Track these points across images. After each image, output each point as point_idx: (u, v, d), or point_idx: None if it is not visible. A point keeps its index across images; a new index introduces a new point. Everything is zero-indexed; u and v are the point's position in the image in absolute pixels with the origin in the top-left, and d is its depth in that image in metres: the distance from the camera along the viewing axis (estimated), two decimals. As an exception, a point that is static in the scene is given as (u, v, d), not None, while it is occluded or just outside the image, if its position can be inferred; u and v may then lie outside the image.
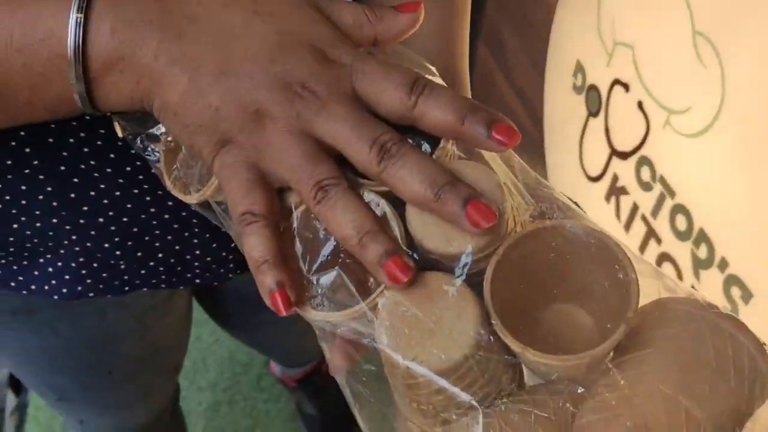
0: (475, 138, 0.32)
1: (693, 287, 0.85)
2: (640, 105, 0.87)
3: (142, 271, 0.53)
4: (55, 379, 0.67)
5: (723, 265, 0.78)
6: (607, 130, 0.96)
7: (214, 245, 0.53)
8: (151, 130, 0.39)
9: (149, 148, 0.39)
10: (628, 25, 0.87)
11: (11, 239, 0.48)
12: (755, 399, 0.31)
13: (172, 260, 0.53)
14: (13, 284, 0.51)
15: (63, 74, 0.33)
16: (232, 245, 0.53)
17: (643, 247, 0.92)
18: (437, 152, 0.34)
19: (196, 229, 0.51)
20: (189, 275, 0.54)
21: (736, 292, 0.76)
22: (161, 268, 0.53)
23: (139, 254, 0.51)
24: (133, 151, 0.44)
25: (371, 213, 0.32)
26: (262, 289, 0.33)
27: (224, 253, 0.55)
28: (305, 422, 1.39)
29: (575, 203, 0.35)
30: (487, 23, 1.28)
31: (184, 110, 0.33)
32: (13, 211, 0.46)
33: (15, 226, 0.47)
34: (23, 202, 0.46)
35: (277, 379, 1.42)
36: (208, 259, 0.54)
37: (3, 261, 0.50)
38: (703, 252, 0.81)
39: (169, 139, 0.38)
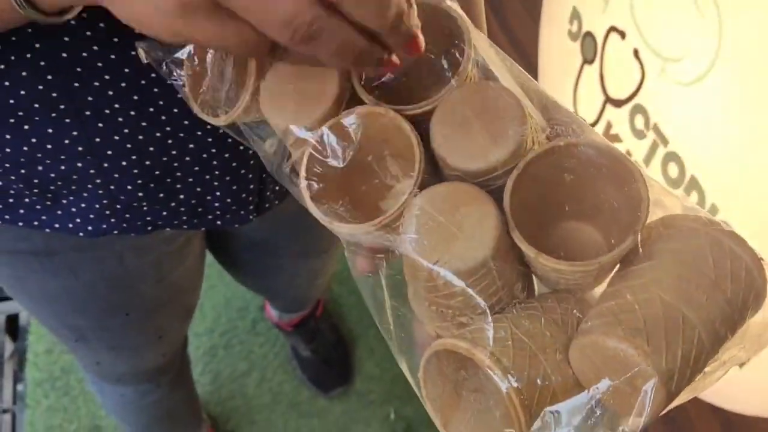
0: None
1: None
2: (635, 53, 0.87)
3: (164, 212, 0.54)
4: (74, 320, 0.68)
5: (713, 211, 0.80)
6: (602, 78, 0.96)
7: (234, 187, 0.54)
8: (175, 55, 0.38)
9: (174, 73, 0.39)
10: (626, -28, 0.86)
11: (35, 181, 0.49)
12: (748, 309, 0.33)
13: (193, 201, 0.54)
14: (36, 223, 0.52)
15: None
16: (251, 187, 0.54)
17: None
18: (457, 76, 0.35)
19: (217, 172, 0.52)
20: (210, 216, 0.56)
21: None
22: (182, 209, 0.54)
23: (161, 195, 0.52)
24: (156, 90, 0.44)
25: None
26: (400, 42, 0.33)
27: (244, 195, 0.55)
28: (300, 364, 1.43)
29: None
30: (482, -32, 1.26)
31: None
32: (39, 155, 0.47)
33: (40, 168, 0.48)
34: (49, 146, 0.47)
35: (273, 324, 1.45)
36: (228, 200, 0.55)
37: (27, 201, 0.50)
38: (694, 199, 0.83)
39: (195, 63, 0.38)
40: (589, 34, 0.97)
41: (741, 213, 0.76)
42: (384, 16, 0.29)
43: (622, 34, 0.89)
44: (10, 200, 0.51)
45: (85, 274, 0.61)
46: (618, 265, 0.34)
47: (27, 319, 1.55)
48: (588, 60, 0.98)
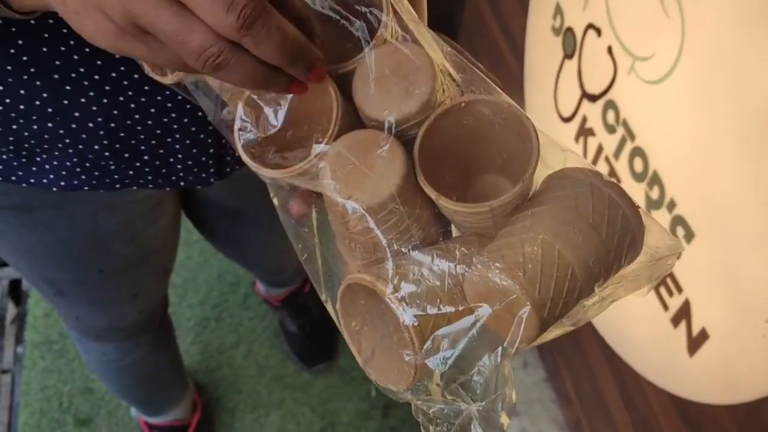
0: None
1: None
2: (609, 50, 0.90)
3: (130, 172, 0.58)
4: (51, 273, 0.73)
5: (671, 205, 0.83)
6: (579, 72, 0.99)
7: (194, 150, 0.59)
8: None
9: None
10: (604, -29, 0.89)
11: (11, 138, 0.54)
12: (624, 250, 0.37)
13: (157, 162, 0.58)
14: (13, 178, 0.57)
15: None
16: (211, 151, 0.59)
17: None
18: (375, 40, 0.39)
19: (177, 135, 0.56)
20: (173, 177, 0.60)
21: (680, 231, 0.82)
22: (147, 169, 0.59)
23: (126, 155, 0.57)
24: (117, 57, 0.48)
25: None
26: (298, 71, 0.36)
27: (204, 158, 0.60)
28: (287, 339, 1.47)
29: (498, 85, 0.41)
30: (478, -40, 1.29)
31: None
32: (12, 114, 0.52)
33: (14, 127, 0.53)
34: (21, 106, 0.51)
35: (262, 299, 1.50)
36: (189, 162, 0.59)
37: (4, 158, 0.55)
38: (655, 193, 0.86)
39: None
40: (569, 29, 1.00)
41: (699, 208, 0.79)
42: (281, 53, 0.33)
43: (599, 32, 0.92)
44: None
45: (61, 230, 0.65)
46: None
47: (28, 284, 1.61)
48: (568, 54, 1.01)
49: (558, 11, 1.02)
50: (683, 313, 0.83)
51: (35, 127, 0.53)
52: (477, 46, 1.38)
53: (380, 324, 0.39)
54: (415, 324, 0.35)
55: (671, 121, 0.82)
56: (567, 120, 1.05)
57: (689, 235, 0.80)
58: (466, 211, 0.36)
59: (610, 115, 0.93)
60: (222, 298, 1.53)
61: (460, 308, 0.36)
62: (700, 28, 0.75)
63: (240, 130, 0.39)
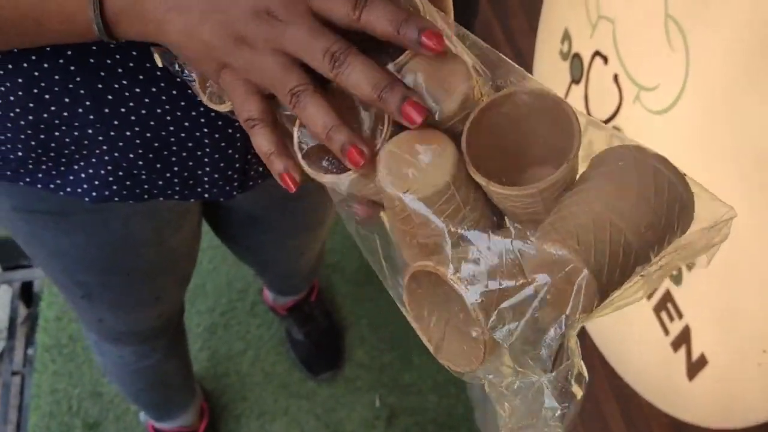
0: (409, 42, 0.39)
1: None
2: (615, 78, 0.92)
3: (160, 182, 0.62)
4: (82, 276, 0.77)
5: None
6: (586, 98, 1.01)
7: (222, 164, 0.63)
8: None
9: (185, 72, 0.48)
10: (612, 0, 0.91)
11: (53, 145, 0.58)
12: (675, 218, 0.39)
13: (185, 174, 0.62)
14: (52, 186, 0.61)
15: (87, 16, 0.43)
16: (237, 165, 0.63)
17: (608, 211, 0.99)
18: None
19: (207, 149, 0.61)
20: (199, 189, 0.64)
21: (681, 259, 0.84)
22: (176, 180, 0.63)
23: (158, 166, 0.60)
24: (158, 73, 0.54)
25: (332, 112, 0.40)
26: (275, 173, 0.42)
27: (230, 172, 0.64)
28: (293, 347, 1.50)
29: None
30: (489, -20, 1.31)
31: (185, 46, 0.42)
32: (56, 121, 0.55)
33: (56, 134, 0.57)
34: (65, 113, 0.55)
35: (269, 307, 1.52)
36: (216, 176, 0.64)
37: (44, 166, 0.60)
38: (658, 220, 0.88)
39: None
40: (577, 55, 1.02)
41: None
42: (369, 81, 0.39)
43: (605, 59, 0.94)
44: (30, 166, 0.59)
45: (94, 234, 0.69)
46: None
47: (40, 286, 1.64)
48: (575, 80, 1.04)
49: (566, 36, 1.05)
50: (683, 338, 0.85)
51: (76, 134, 0.57)
52: (486, 64, 1.40)
53: (446, 309, 0.41)
54: (479, 301, 0.37)
55: (674, 152, 0.84)
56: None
57: (690, 264, 0.82)
58: (516, 195, 0.38)
59: (615, 143, 0.95)
60: (230, 305, 1.55)
61: (520, 281, 0.37)
62: (704, 61, 0.77)
63: (300, 142, 0.43)
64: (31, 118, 0.55)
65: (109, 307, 0.85)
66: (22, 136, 0.57)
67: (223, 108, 0.46)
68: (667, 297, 0.88)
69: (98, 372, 1.44)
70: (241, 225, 0.90)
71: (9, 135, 0.57)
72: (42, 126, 0.56)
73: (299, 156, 0.42)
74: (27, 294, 1.65)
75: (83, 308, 0.86)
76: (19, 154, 0.58)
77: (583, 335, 1.13)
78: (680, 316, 0.86)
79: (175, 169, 0.61)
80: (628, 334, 0.99)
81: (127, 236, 0.71)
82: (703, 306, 0.82)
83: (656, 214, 0.37)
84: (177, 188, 0.63)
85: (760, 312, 0.72)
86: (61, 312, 1.53)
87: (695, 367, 0.83)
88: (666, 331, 0.89)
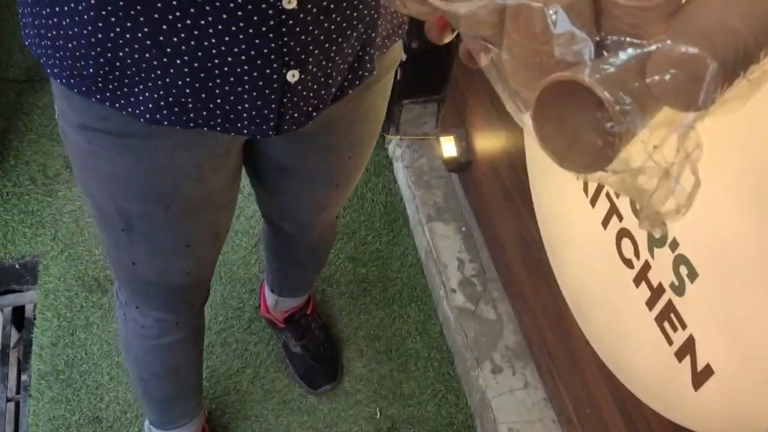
0: None
1: (647, 262, 0.94)
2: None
3: (204, 112, 0.68)
4: (126, 203, 0.81)
5: (674, 245, 0.86)
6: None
7: (259, 103, 0.68)
8: None
9: None
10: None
11: (117, 64, 0.64)
12: None
13: (227, 107, 0.68)
14: (117, 105, 0.68)
15: None
16: (273, 107, 0.69)
17: (606, 222, 1.00)
18: None
19: (246, 86, 0.66)
20: (238, 124, 0.70)
21: (683, 270, 0.85)
22: (218, 112, 0.68)
23: (203, 96, 0.66)
24: (208, 8, 0.58)
25: None
26: None
27: (266, 112, 0.69)
28: (291, 361, 1.50)
29: None
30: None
31: None
32: (120, 41, 0.62)
33: (120, 54, 0.63)
34: (127, 35, 0.62)
35: (267, 320, 1.52)
36: (253, 113, 0.69)
37: (110, 86, 0.66)
38: (657, 230, 0.89)
39: None
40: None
41: (701, 250, 0.83)
42: None
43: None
44: (100, 84, 0.66)
45: (144, 159, 0.74)
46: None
47: (32, 311, 1.62)
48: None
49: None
50: (687, 349, 0.87)
51: (136, 56, 0.63)
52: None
53: (573, 120, 0.43)
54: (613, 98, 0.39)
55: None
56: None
57: (692, 275, 0.84)
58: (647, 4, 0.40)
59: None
60: (227, 323, 1.55)
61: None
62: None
63: None
64: (100, 36, 0.62)
65: (145, 245, 0.87)
66: (93, 53, 0.63)
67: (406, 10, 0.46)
68: (670, 307, 0.89)
69: (97, 397, 1.43)
70: (272, 170, 0.94)
71: (84, 51, 0.64)
72: (109, 44, 0.62)
73: None
74: (19, 319, 1.64)
75: (121, 246, 0.89)
76: (91, 70, 0.65)
77: (585, 345, 1.15)
78: (684, 326, 0.87)
79: (218, 101, 0.67)
80: (631, 343, 1.00)
81: (171, 166, 0.76)
82: (706, 316, 0.83)
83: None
84: (219, 120, 0.68)
85: (766, 321, 0.73)
86: (55, 338, 1.52)
87: (701, 376, 0.85)
88: (670, 341, 0.90)
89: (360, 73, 0.74)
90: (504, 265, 1.54)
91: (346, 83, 0.74)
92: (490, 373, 1.45)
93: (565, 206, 1.14)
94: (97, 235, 1.66)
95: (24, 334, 1.62)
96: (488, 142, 1.54)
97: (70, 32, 0.63)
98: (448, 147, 1.63)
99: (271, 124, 0.70)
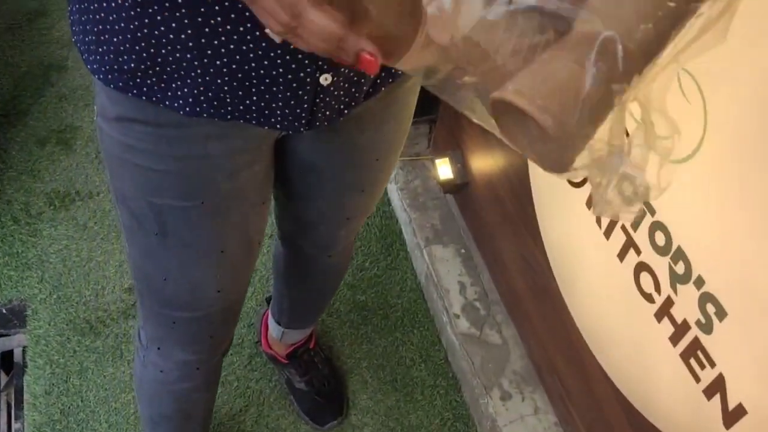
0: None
1: (669, 297, 0.91)
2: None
3: (241, 107, 0.71)
4: (161, 198, 0.80)
5: (699, 282, 0.85)
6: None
7: (292, 102, 0.71)
8: None
9: None
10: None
11: (158, 60, 0.67)
12: None
13: (262, 104, 0.71)
14: (153, 99, 0.71)
15: None
16: (305, 105, 0.72)
17: (622, 255, 0.98)
18: None
19: (281, 86, 0.69)
20: (272, 119, 0.73)
21: (710, 308, 0.84)
22: (253, 108, 0.71)
23: (240, 93, 0.69)
24: (247, 14, 0.61)
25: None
26: (350, 54, 0.46)
27: (298, 110, 0.72)
28: (296, 398, 1.46)
29: None
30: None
31: None
32: (163, 40, 0.66)
33: (163, 51, 0.66)
34: (171, 36, 0.65)
35: (269, 357, 1.48)
36: (286, 110, 0.72)
37: (149, 81, 0.69)
38: (680, 268, 0.87)
39: None
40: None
41: (729, 287, 0.81)
42: (322, 45, 0.44)
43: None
44: (138, 79, 0.69)
45: (178, 149, 0.77)
46: None
47: (21, 355, 1.57)
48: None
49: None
50: (717, 387, 0.85)
51: (177, 55, 0.66)
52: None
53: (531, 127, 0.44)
54: None
55: (695, 201, 0.83)
56: (577, 185, 1.07)
57: (721, 313, 0.82)
58: None
59: (627, 188, 0.94)
60: (227, 360, 1.50)
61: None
62: (722, 112, 0.77)
63: None
64: (144, 31, 0.65)
65: (179, 251, 0.86)
66: (137, 47, 0.66)
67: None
68: (696, 344, 0.87)
69: (97, 447, 1.38)
70: (301, 167, 0.94)
71: (127, 46, 0.67)
72: (153, 41, 0.65)
73: None
74: (8, 363, 1.58)
75: (154, 257, 0.87)
76: (132, 65, 0.68)
77: (598, 369, 1.13)
78: (712, 364, 0.85)
79: (254, 98, 0.70)
80: (654, 378, 0.98)
81: (205, 157, 0.77)
82: (737, 355, 0.82)
83: None
84: (254, 114, 0.72)
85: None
86: (49, 386, 1.46)
87: (733, 416, 0.83)
88: (697, 379, 0.88)
89: (393, 70, 0.75)
90: (506, 288, 1.52)
91: (378, 80, 0.76)
92: (499, 400, 1.43)
93: (576, 237, 1.12)
94: (89, 276, 1.61)
95: (14, 379, 1.56)
96: (485, 163, 1.52)
97: (116, 27, 0.66)
98: (444, 169, 1.61)
99: (303, 121, 0.74)
